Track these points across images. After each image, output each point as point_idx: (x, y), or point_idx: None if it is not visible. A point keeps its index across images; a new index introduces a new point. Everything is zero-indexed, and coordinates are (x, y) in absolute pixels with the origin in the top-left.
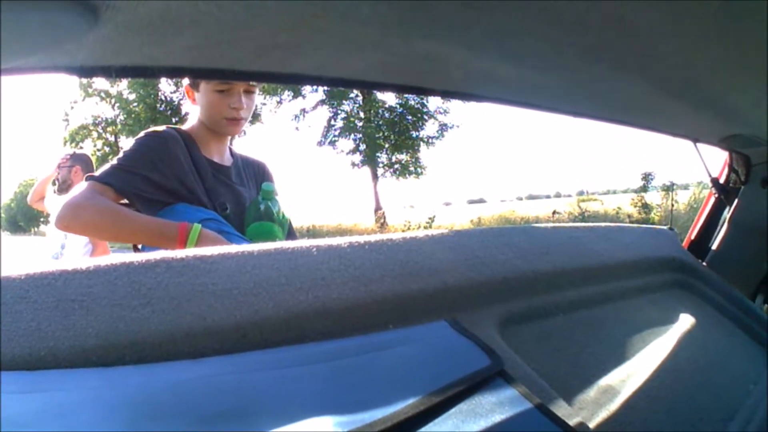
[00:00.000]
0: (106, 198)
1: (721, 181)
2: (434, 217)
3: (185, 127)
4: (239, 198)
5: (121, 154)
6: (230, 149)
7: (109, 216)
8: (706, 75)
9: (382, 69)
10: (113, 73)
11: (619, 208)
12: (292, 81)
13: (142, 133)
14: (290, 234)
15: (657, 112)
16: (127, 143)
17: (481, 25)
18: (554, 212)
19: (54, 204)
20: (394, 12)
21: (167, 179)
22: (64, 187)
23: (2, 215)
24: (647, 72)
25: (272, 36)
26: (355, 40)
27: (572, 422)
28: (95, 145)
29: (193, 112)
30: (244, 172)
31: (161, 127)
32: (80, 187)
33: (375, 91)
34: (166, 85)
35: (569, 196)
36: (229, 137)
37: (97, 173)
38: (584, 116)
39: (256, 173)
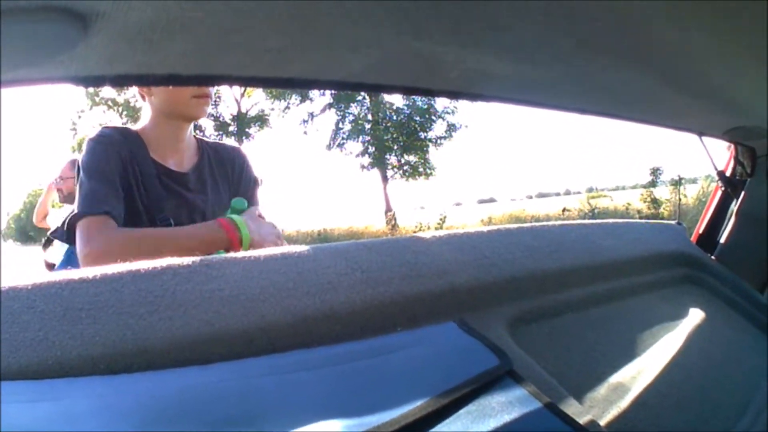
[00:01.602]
0: (120, 229)
1: (728, 173)
2: (445, 217)
3: (136, 126)
4: (193, 210)
5: (85, 178)
6: (200, 141)
7: (146, 246)
8: (707, 67)
9: (376, 70)
10: (107, 82)
11: (628, 203)
12: (288, 85)
13: (84, 146)
14: None
15: (659, 106)
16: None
17: (473, 21)
18: (564, 210)
19: (58, 217)
20: (383, 12)
21: (122, 187)
22: (71, 198)
23: (12, 225)
24: (646, 65)
25: (262, 40)
26: (346, 42)
27: (582, 421)
28: None
29: (144, 111)
30: (211, 170)
31: (99, 131)
32: (83, 232)
33: (377, 93)
34: None
35: (579, 193)
36: (189, 131)
37: (79, 208)
38: (586, 112)
39: (228, 165)
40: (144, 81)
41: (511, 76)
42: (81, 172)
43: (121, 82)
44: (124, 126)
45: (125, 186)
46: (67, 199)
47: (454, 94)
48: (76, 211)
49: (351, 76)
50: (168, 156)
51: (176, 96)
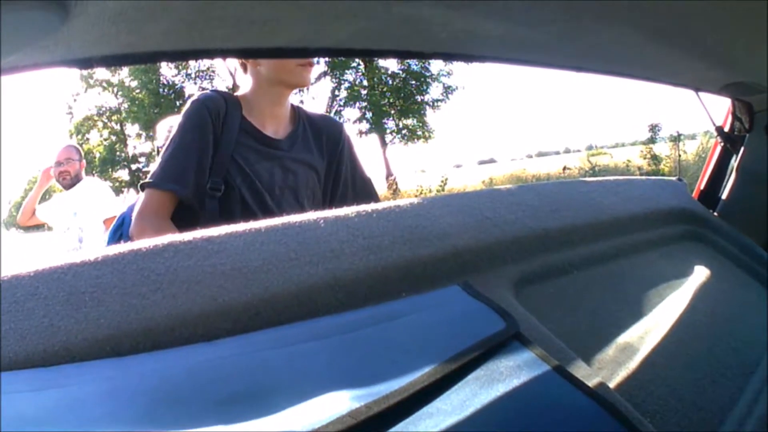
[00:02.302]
0: (166, 217)
1: (726, 129)
2: (446, 179)
3: (238, 93)
4: (286, 172)
5: (171, 144)
6: (296, 109)
7: None
8: (703, 22)
9: (365, 36)
10: (95, 63)
11: (628, 160)
12: (277, 55)
13: (185, 107)
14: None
15: (654, 62)
16: (164, 126)
17: None
18: (564, 168)
19: (56, 206)
20: None
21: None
22: (77, 179)
23: (14, 213)
24: (637, 21)
25: (247, 12)
26: (332, 10)
27: (591, 383)
28: (101, 135)
29: (244, 81)
30: (305, 139)
31: (202, 93)
32: (143, 204)
33: (368, 58)
34: (167, 69)
35: (578, 151)
36: (288, 100)
37: (152, 175)
38: (580, 70)
39: (324, 135)
40: (131, 60)
41: (501, 36)
42: (173, 133)
43: (108, 62)
44: (229, 92)
45: (216, 144)
46: (74, 180)
47: (446, 56)
48: (149, 177)
49: (339, 43)
50: (266, 122)
51: (282, 64)
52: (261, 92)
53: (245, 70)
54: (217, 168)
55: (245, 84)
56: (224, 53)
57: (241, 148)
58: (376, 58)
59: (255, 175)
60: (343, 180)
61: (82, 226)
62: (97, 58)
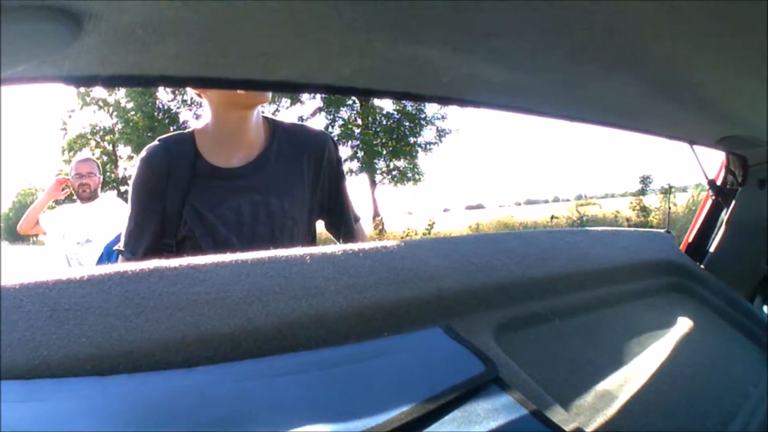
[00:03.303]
0: None
1: (718, 182)
2: (434, 223)
3: (198, 126)
4: (240, 207)
5: (129, 209)
6: (273, 126)
7: None
8: (701, 76)
9: (368, 75)
10: (100, 82)
11: (617, 211)
12: (280, 89)
13: (136, 166)
14: None
15: (651, 114)
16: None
17: (467, 27)
18: (552, 217)
19: (68, 216)
20: (377, 16)
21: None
22: (93, 196)
23: (1, 225)
24: (639, 74)
25: (255, 43)
26: (339, 46)
27: (568, 428)
28: (93, 154)
29: (205, 110)
30: (283, 154)
31: (146, 151)
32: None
33: (368, 98)
34: (163, 94)
35: (567, 200)
36: (255, 120)
37: (122, 241)
38: (577, 120)
39: (308, 149)
40: (136, 82)
41: (503, 82)
42: (129, 193)
43: (113, 82)
44: (178, 133)
45: (167, 196)
46: (92, 194)
47: (445, 100)
48: (121, 243)
49: (342, 80)
50: (233, 151)
51: None
52: (220, 120)
53: (200, 96)
54: (169, 226)
55: (205, 115)
56: (228, 83)
57: (201, 192)
58: (376, 98)
59: (219, 219)
60: (321, 192)
61: (106, 239)
62: (102, 77)
